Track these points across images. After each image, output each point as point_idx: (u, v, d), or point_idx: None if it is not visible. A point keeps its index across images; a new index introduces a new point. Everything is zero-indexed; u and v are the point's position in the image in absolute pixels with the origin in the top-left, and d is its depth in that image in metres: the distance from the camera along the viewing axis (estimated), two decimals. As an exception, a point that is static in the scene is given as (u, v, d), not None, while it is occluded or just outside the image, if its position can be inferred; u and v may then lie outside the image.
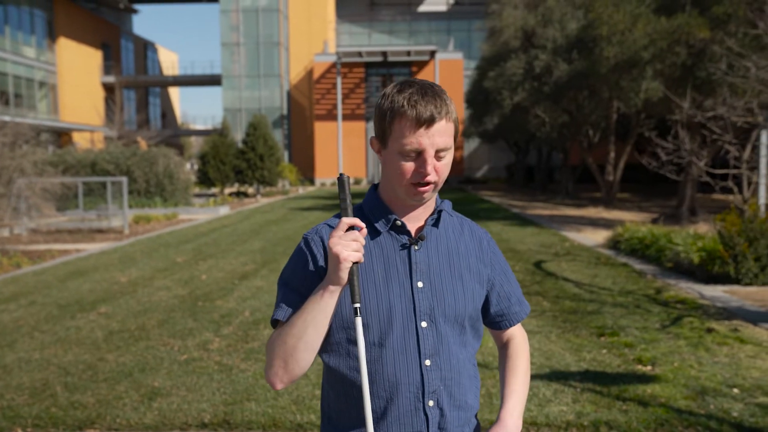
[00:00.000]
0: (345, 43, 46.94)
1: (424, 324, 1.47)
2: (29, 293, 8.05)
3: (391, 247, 1.50)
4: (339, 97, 39.59)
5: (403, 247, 1.50)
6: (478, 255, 1.59)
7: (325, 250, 1.47)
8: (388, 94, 1.45)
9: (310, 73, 43.51)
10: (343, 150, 40.18)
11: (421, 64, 40.72)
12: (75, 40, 41.19)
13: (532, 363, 4.95)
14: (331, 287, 1.38)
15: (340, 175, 1.44)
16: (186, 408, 4.18)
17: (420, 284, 1.49)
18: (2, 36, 34.85)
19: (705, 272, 8.21)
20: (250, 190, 31.97)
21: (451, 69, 40.54)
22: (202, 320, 6.47)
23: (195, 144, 72.72)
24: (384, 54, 39.40)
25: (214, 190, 32.34)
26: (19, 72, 36.05)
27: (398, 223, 1.50)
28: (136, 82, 46.98)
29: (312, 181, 40.85)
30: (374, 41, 46.79)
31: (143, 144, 35.86)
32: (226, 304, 7.18)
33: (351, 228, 1.39)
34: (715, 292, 7.55)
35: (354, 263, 1.37)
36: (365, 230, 1.42)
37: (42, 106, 38.23)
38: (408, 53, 39.50)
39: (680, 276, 8.52)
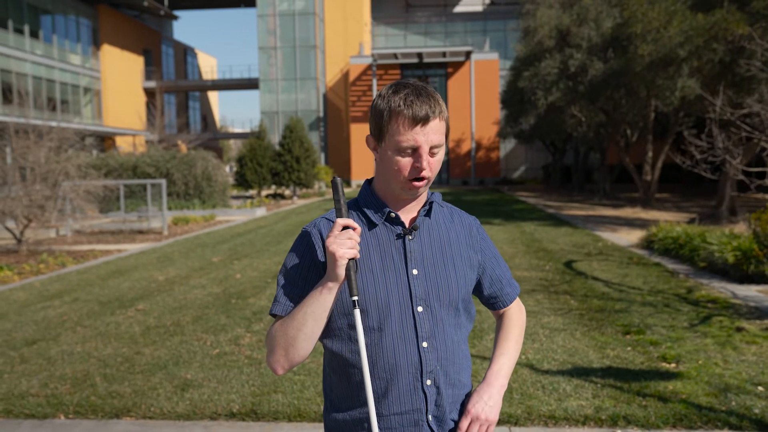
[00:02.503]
0: (380, 45, 47.17)
1: (420, 309, 1.57)
2: (73, 291, 8.40)
3: (386, 238, 1.60)
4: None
5: (398, 237, 1.60)
6: (468, 242, 1.69)
7: (324, 242, 1.56)
8: (384, 95, 1.55)
9: (346, 75, 43.86)
10: (378, 152, 40.38)
11: (457, 65, 40.69)
12: (118, 47, 42.37)
13: (554, 359, 5.00)
14: (330, 284, 1.49)
15: (334, 177, 1.56)
16: (216, 398, 4.36)
17: (415, 272, 1.59)
18: (50, 44, 36.06)
19: (739, 272, 8.10)
20: (287, 192, 32.40)
21: (486, 69, 40.41)
22: (235, 317, 6.68)
23: (234, 147, 73.89)
24: (419, 55, 39.50)
25: (252, 192, 32.87)
26: (66, 79, 37.24)
27: (392, 215, 1.59)
28: (176, 87, 48.04)
29: (348, 183, 41.16)
30: (410, 43, 46.92)
31: (183, 147, 36.66)
32: (259, 302, 7.38)
33: (345, 228, 1.49)
34: (749, 291, 7.45)
35: (350, 260, 1.47)
36: (359, 229, 1.51)
37: (87, 111, 39.42)
38: (443, 54, 39.52)
39: (714, 276, 8.42)
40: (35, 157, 12.73)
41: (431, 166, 1.53)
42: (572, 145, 31.66)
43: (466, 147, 40.89)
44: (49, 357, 5.42)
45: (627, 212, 18.77)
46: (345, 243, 1.46)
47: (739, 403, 4.07)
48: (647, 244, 11.09)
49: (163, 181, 16.10)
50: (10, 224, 13.07)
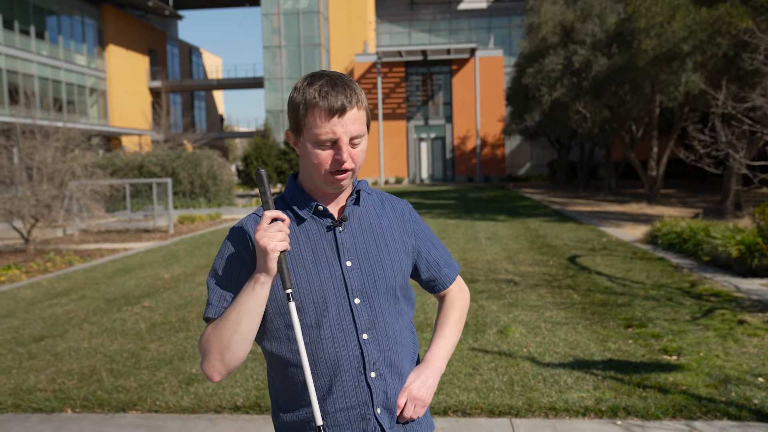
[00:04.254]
0: (385, 42, 47.15)
1: (357, 301, 1.54)
2: (80, 288, 8.48)
3: (316, 232, 1.56)
4: (380, 96, 39.84)
5: (328, 229, 1.56)
6: (401, 227, 1.66)
7: (252, 242, 1.51)
8: (299, 88, 1.51)
9: (350, 73, 43.89)
10: (384, 149, 40.43)
11: (461, 62, 40.65)
12: (123, 47, 42.51)
13: (555, 352, 5.04)
14: (262, 278, 1.44)
15: (258, 169, 1.51)
16: (220, 392, 4.42)
17: (349, 263, 1.55)
18: (56, 45, 36.23)
19: (743, 266, 8.10)
20: (293, 191, 32.51)
21: (491, 66, 40.36)
22: (240, 313, 6.73)
23: (239, 146, 74.02)
24: (424, 53, 39.48)
25: (257, 190, 32.96)
26: (72, 79, 37.41)
27: (320, 207, 1.55)
28: (181, 87, 48.16)
29: (353, 181, 41.21)
30: (414, 40, 46.87)
31: (189, 147, 36.78)
32: (263, 298, 7.43)
33: (274, 220, 1.46)
34: (752, 285, 7.46)
35: (281, 252, 1.44)
36: (288, 220, 1.48)
37: (93, 111, 39.59)
38: (448, 51, 39.49)
39: (717, 270, 8.42)
40: (42, 157, 12.83)
41: (353, 158, 1.49)
42: (577, 141, 31.58)
43: (471, 144, 40.86)
44: (57, 353, 5.49)
45: (632, 208, 18.75)
46: (275, 236, 1.43)
47: (738, 394, 4.10)
48: (651, 239, 11.09)
49: (169, 180, 16.19)
50: (18, 224, 13.18)
